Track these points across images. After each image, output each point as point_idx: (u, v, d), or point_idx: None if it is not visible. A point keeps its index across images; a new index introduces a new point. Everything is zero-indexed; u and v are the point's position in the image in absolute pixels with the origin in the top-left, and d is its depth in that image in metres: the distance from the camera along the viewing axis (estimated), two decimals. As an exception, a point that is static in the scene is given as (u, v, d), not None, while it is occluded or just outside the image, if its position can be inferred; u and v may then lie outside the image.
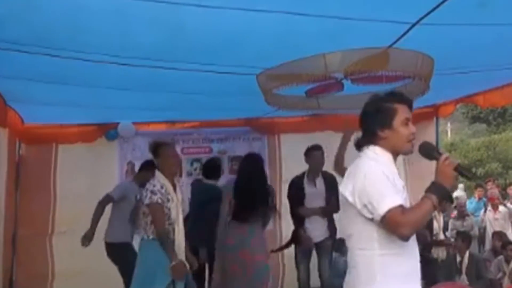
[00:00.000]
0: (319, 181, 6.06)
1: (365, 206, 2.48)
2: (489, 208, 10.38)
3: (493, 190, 11.02)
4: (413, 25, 3.39)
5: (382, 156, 2.62)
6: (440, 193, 2.45)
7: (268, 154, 7.78)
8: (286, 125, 7.61)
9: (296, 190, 6.13)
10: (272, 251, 6.29)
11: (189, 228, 5.22)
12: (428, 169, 3.20)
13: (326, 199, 5.97)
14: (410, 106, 2.67)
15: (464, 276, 6.90)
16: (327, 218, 6.04)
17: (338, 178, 6.00)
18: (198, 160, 7.62)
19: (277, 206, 7.27)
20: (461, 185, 13.65)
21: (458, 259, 7.08)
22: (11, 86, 4.72)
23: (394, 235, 2.44)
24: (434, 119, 7.51)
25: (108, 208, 6.02)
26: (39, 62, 3.82)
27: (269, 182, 7.29)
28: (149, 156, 5.18)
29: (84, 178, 7.00)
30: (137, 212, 5.21)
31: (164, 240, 4.56)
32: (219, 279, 5.28)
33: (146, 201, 4.59)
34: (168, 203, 4.61)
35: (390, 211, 2.40)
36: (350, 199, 2.56)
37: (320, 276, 6.12)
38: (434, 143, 6.99)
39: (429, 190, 2.47)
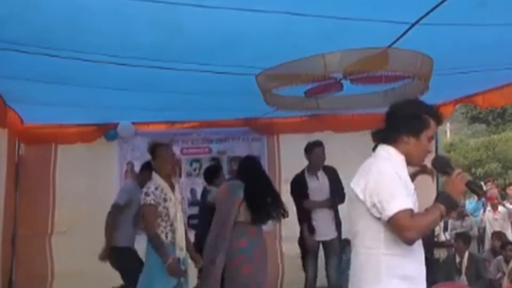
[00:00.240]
0: (321, 175, 6.04)
1: (374, 205, 2.50)
2: (489, 208, 10.39)
3: (493, 190, 11.03)
4: (413, 25, 3.39)
5: (395, 157, 2.65)
6: (449, 204, 2.51)
7: (267, 154, 7.77)
8: (285, 126, 7.61)
9: (299, 187, 6.09)
10: None
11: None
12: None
13: (331, 191, 5.93)
14: (439, 125, 2.73)
15: (463, 277, 6.90)
16: (333, 215, 5.99)
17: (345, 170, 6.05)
18: (197, 160, 7.62)
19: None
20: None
21: (458, 259, 7.08)
22: (10, 86, 4.72)
23: (400, 238, 2.46)
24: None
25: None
26: (39, 62, 3.82)
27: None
28: (148, 156, 5.21)
29: (84, 178, 7.00)
30: (139, 215, 5.22)
31: (155, 241, 4.59)
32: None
33: (141, 202, 4.66)
34: (166, 203, 4.65)
35: (398, 213, 2.42)
36: (360, 196, 2.57)
37: (327, 276, 6.06)
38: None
39: (438, 200, 2.53)
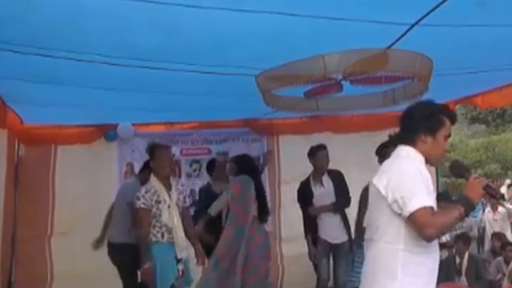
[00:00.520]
0: (326, 180, 6.03)
1: (395, 201, 2.57)
2: (488, 209, 10.39)
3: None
4: (412, 26, 3.39)
5: (415, 156, 2.73)
6: (467, 206, 2.58)
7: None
8: (285, 126, 7.60)
9: (305, 194, 6.10)
10: None
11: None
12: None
13: (335, 195, 5.93)
14: (453, 124, 2.82)
15: (463, 277, 6.90)
16: (341, 218, 5.97)
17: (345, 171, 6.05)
18: (197, 161, 7.61)
19: (276, 208, 7.33)
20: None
21: (458, 260, 7.08)
22: (10, 86, 4.72)
23: (419, 234, 2.53)
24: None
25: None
26: (39, 63, 3.82)
27: (268, 183, 7.39)
28: (148, 157, 5.25)
29: (83, 179, 6.99)
30: (133, 214, 5.27)
31: (141, 242, 4.81)
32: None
33: (135, 206, 4.88)
34: (159, 205, 4.74)
35: (419, 210, 2.49)
36: (383, 192, 2.64)
37: (335, 278, 6.06)
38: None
39: (458, 201, 2.62)
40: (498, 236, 8.44)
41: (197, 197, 7.05)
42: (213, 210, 5.59)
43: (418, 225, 2.51)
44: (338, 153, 6.43)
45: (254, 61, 3.99)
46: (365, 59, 3.69)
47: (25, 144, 6.91)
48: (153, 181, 4.89)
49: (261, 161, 7.48)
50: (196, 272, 5.25)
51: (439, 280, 2.79)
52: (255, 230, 5.16)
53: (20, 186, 6.77)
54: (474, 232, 9.67)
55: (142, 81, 4.61)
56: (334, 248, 6.01)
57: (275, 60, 3.85)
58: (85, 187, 6.94)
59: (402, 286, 2.58)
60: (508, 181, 14.80)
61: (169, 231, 4.80)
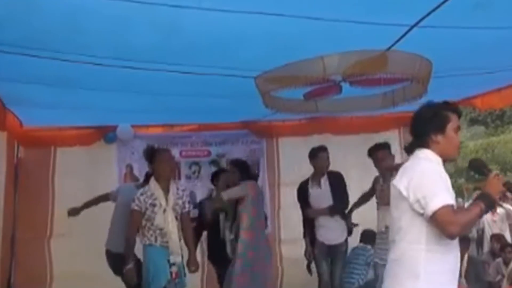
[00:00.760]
0: (324, 182, 6.01)
1: (418, 200, 2.63)
2: (487, 210, 10.35)
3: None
4: (412, 27, 3.40)
5: (433, 158, 2.79)
6: (488, 202, 2.64)
7: (267, 157, 7.75)
8: (284, 128, 7.59)
9: (301, 194, 6.12)
10: None
11: None
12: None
13: (333, 197, 5.92)
14: (459, 117, 2.89)
15: (463, 279, 6.89)
16: (340, 219, 5.94)
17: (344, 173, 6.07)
18: (196, 163, 7.61)
19: (276, 210, 7.36)
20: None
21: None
22: (10, 88, 4.72)
23: (442, 232, 2.59)
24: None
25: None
26: (38, 64, 3.82)
27: (267, 185, 7.42)
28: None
29: (83, 181, 6.98)
30: None
31: (126, 243, 4.90)
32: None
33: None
34: (154, 208, 4.77)
35: (442, 208, 2.55)
36: (404, 193, 2.70)
37: (332, 279, 6.03)
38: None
39: (478, 198, 2.68)
40: (497, 237, 8.43)
41: (197, 200, 7.05)
42: (227, 195, 5.63)
43: (441, 224, 2.56)
44: (337, 155, 6.41)
45: (254, 63, 3.99)
46: (364, 61, 3.70)
47: (25, 146, 6.92)
48: (152, 184, 4.90)
49: (260, 164, 7.52)
50: (192, 279, 5.26)
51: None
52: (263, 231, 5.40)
53: (19, 188, 6.77)
54: (473, 234, 9.66)
55: (142, 83, 4.62)
56: (331, 250, 6.00)
57: (275, 62, 3.85)
58: (84, 189, 6.90)
59: (425, 285, 2.63)
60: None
61: (163, 235, 4.81)
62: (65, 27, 3.20)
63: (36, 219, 6.88)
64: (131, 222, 4.90)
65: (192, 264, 5.00)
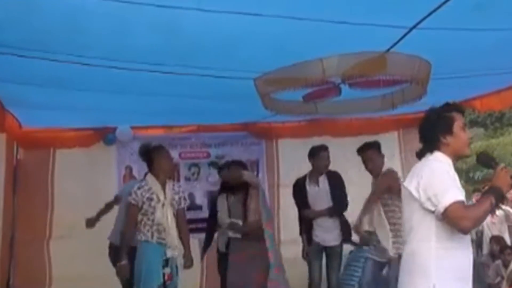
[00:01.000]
0: (322, 180, 6.01)
1: (429, 198, 2.70)
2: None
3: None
4: (411, 29, 3.39)
5: (443, 160, 2.87)
6: (497, 195, 2.74)
7: (266, 159, 7.77)
8: (284, 130, 7.60)
9: (297, 191, 6.11)
10: None
11: None
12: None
13: (332, 197, 5.92)
14: (463, 114, 2.99)
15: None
16: (338, 220, 5.95)
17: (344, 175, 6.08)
18: (196, 164, 7.61)
19: (275, 211, 7.36)
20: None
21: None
22: (9, 90, 4.71)
23: (455, 228, 2.66)
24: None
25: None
26: (37, 66, 3.82)
27: (267, 187, 7.42)
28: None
29: (82, 183, 6.99)
30: None
31: (121, 238, 4.95)
32: None
33: None
34: (151, 202, 4.75)
35: (453, 204, 2.62)
36: (414, 193, 2.78)
37: (328, 280, 6.06)
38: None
39: (488, 192, 2.76)
40: (497, 239, 8.42)
41: (196, 201, 7.06)
42: (246, 174, 5.58)
43: (453, 219, 2.63)
44: (337, 157, 6.41)
45: (253, 64, 3.99)
46: (363, 63, 3.70)
47: (24, 147, 6.91)
48: (149, 179, 4.89)
49: (259, 166, 7.52)
50: (191, 278, 5.25)
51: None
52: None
53: (18, 189, 6.77)
54: (473, 236, 9.64)
55: (141, 84, 4.61)
56: (326, 251, 6.01)
57: (274, 63, 3.85)
58: (83, 191, 6.92)
59: (437, 281, 2.70)
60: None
61: (160, 231, 4.78)
62: (65, 28, 3.20)
63: (35, 221, 6.87)
64: (128, 215, 4.90)
65: (187, 260, 5.02)
